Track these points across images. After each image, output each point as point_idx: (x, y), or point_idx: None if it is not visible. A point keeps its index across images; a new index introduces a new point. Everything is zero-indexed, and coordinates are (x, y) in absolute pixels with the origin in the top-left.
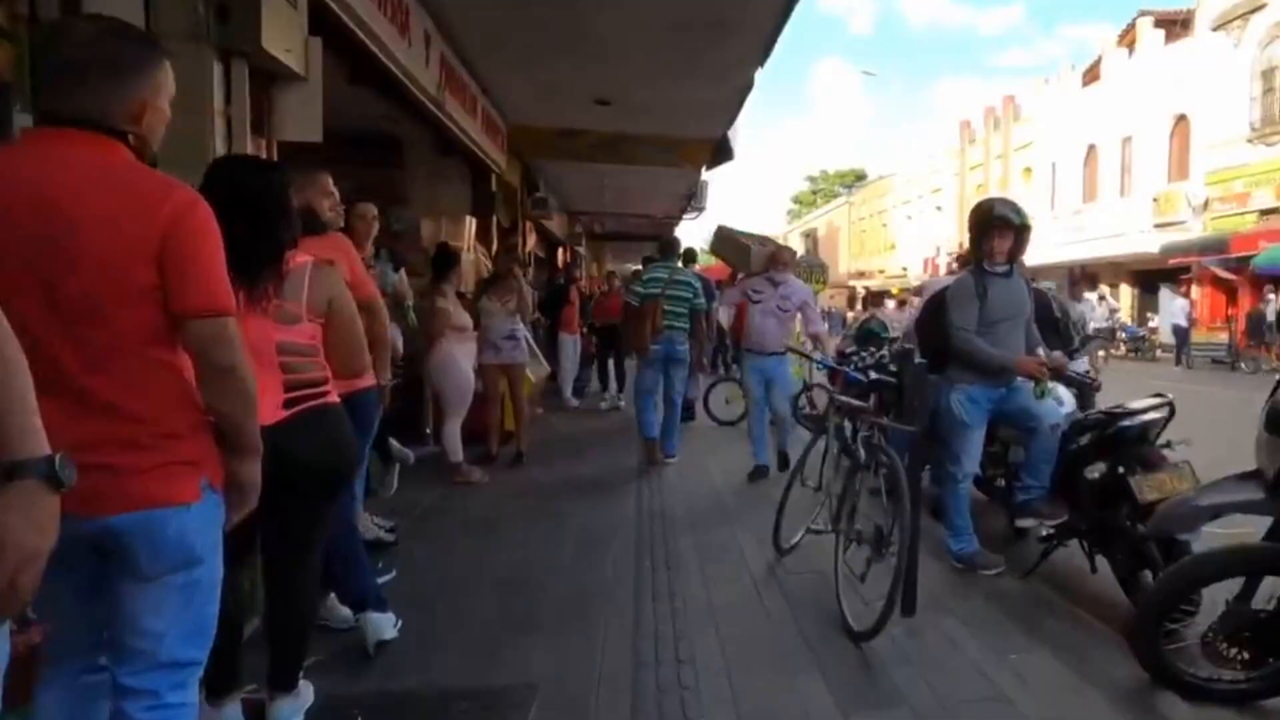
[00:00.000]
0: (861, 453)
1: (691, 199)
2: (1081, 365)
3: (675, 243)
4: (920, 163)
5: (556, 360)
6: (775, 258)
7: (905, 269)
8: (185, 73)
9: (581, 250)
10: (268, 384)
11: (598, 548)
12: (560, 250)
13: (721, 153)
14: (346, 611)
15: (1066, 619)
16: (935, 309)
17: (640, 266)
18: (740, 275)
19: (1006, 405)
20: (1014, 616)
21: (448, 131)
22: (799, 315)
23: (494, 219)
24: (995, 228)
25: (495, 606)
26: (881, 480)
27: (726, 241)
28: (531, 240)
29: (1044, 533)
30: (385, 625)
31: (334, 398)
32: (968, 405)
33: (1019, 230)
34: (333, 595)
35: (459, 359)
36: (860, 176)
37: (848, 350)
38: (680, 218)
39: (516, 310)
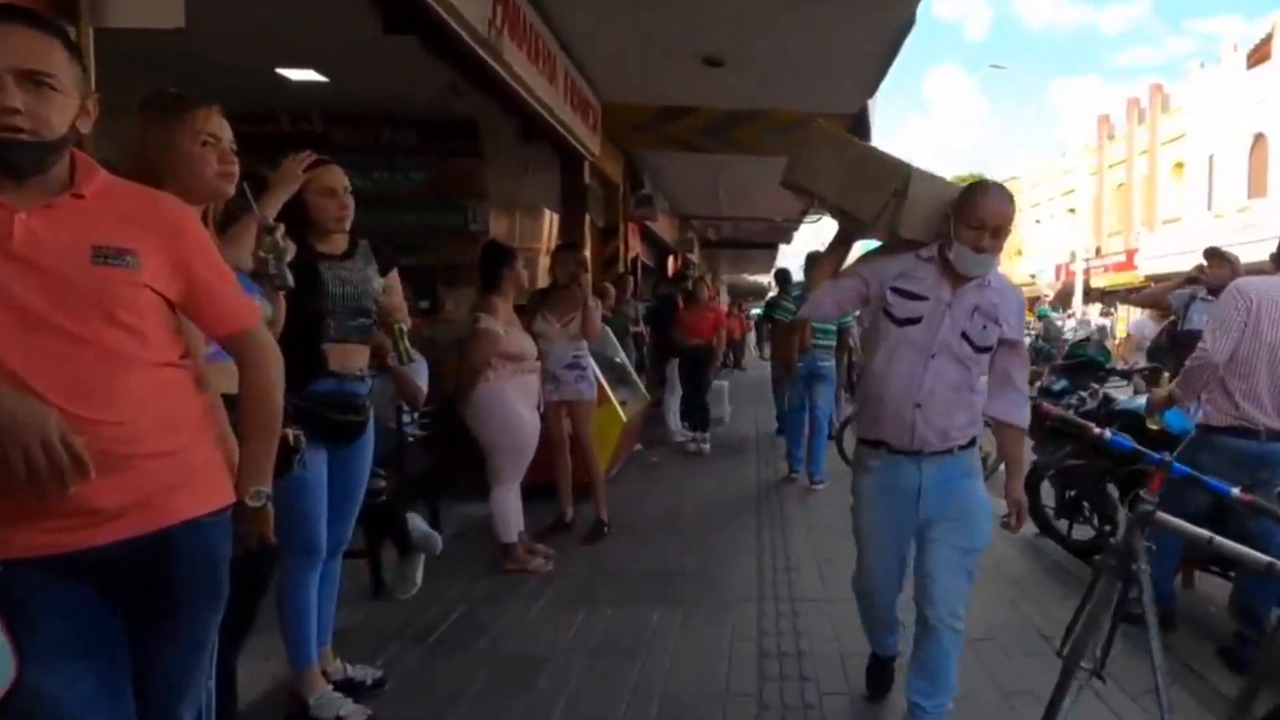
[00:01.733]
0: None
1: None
2: None
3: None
4: (1050, 163)
5: (663, 383)
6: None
7: (1034, 276)
8: None
9: (694, 259)
10: None
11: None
12: (671, 259)
13: (857, 133)
14: None
15: None
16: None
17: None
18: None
19: None
20: None
21: (521, 102)
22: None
23: (586, 217)
24: None
25: None
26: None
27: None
28: (635, 245)
29: None
30: None
31: None
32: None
33: None
34: None
35: (512, 399)
36: (980, 181)
37: (1055, 386)
38: (801, 221)
39: (581, 333)
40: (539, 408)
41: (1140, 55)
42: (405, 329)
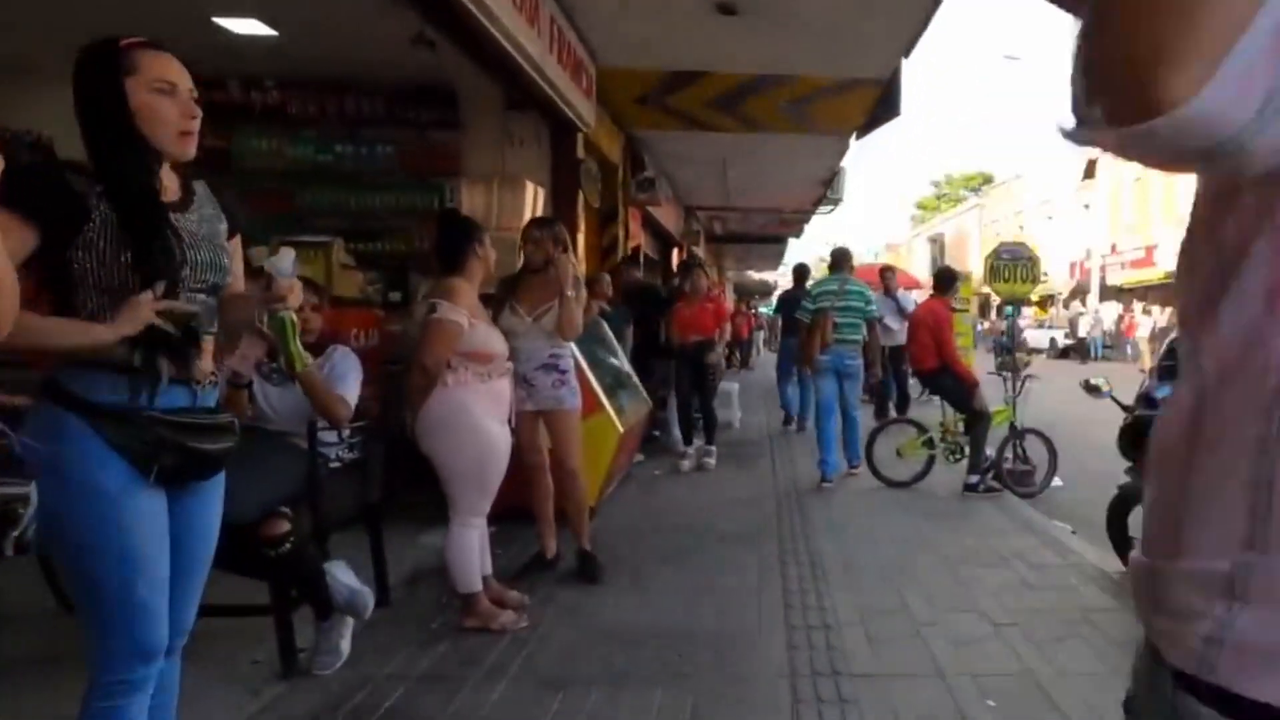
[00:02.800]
0: None
1: (829, 185)
2: None
3: (845, 253)
4: (1064, 157)
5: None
6: None
7: (1047, 274)
8: None
9: (699, 251)
10: None
11: None
12: (676, 251)
13: (886, 104)
14: None
15: None
16: None
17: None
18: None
19: None
20: None
21: (504, 58)
22: None
23: (580, 196)
24: None
25: None
26: None
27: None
28: (637, 232)
29: None
30: None
31: None
32: None
33: None
34: None
35: (476, 410)
36: (988, 179)
37: (1158, 394)
38: (813, 211)
39: (560, 326)
40: (510, 421)
41: None
42: (294, 323)
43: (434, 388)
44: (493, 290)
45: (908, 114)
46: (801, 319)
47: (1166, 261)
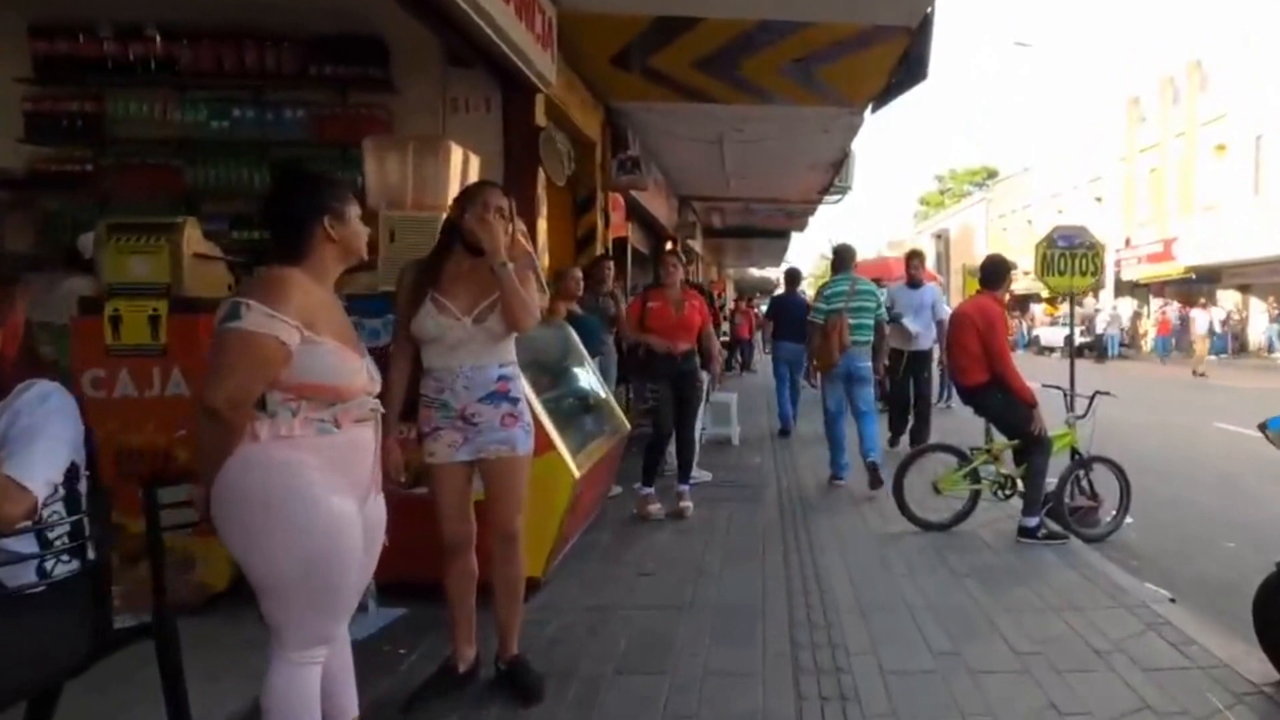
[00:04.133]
0: None
1: (838, 171)
2: None
3: (850, 251)
4: (1073, 150)
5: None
6: None
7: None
8: None
9: (695, 247)
10: None
11: None
12: (669, 245)
13: (911, 64)
14: None
15: None
16: None
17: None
18: None
19: None
20: None
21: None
22: None
23: (540, 173)
24: None
25: None
26: None
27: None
28: (620, 222)
29: None
30: None
31: None
32: None
33: None
34: None
35: (305, 479)
36: (992, 174)
37: None
38: (819, 201)
39: (509, 312)
40: (369, 499)
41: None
42: None
43: (234, 443)
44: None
45: (910, 108)
46: (814, 321)
47: (1186, 255)
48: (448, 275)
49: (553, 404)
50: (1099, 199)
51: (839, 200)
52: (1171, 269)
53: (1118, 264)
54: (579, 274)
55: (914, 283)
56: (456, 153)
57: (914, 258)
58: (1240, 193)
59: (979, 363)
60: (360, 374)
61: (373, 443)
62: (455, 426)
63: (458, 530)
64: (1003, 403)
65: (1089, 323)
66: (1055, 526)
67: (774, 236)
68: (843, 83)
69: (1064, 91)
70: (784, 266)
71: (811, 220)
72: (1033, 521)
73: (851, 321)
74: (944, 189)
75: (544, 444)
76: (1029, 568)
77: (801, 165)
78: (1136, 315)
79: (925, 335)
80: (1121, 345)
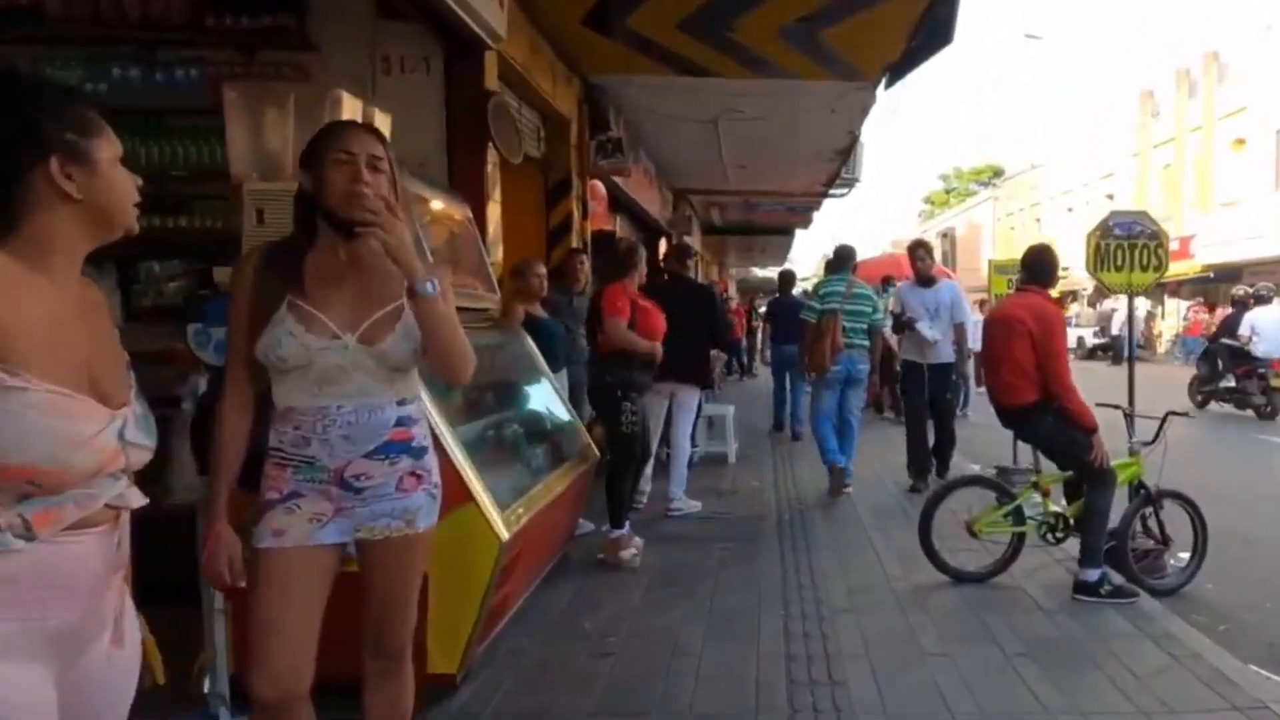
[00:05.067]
0: None
1: (845, 159)
2: None
3: (850, 252)
4: (1084, 146)
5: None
6: None
7: (1067, 268)
8: None
9: (692, 243)
10: None
11: None
12: (663, 242)
13: (935, 23)
14: None
15: None
16: None
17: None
18: None
19: None
20: None
21: None
22: None
23: (490, 148)
24: None
25: None
26: None
27: None
28: (602, 212)
29: None
30: None
31: None
32: None
33: None
34: None
35: None
36: (998, 173)
37: None
38: (825, 194)
39: (436, 358)
40: (99, 648)
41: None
42: None
43: None
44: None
45: (914, 104)
46: (807, 319)
47: (1205, 253)
48: (314, 270)
49: (488, 433)
50: (1110, 196)
51: (846, 194)
52: (1189, 267)
53: None
54: (543, 269)
55: (924, 279)
56: (351, 104)
57: (919, 249)
58: (1260, 189)
59: (1030, 378)
60: (93, 442)
61: (103, 562)
62: (325, 494)
63: (293, 673)
64: (1056, 427)
65: (1105, 323)
66: (1120, 580)
67: (777, 234)
68: (852, 49)
69: (1075, 85)
70: (788, 266)
71: (816, 217)
72: (1094, 575)
73: (847, 324)
74: (949, 188)
75: (457, 494)
76: (1097, 640)
77: (806, 153)
78: (1150, 315)
79: (946, 343)
80: (1139, 346)
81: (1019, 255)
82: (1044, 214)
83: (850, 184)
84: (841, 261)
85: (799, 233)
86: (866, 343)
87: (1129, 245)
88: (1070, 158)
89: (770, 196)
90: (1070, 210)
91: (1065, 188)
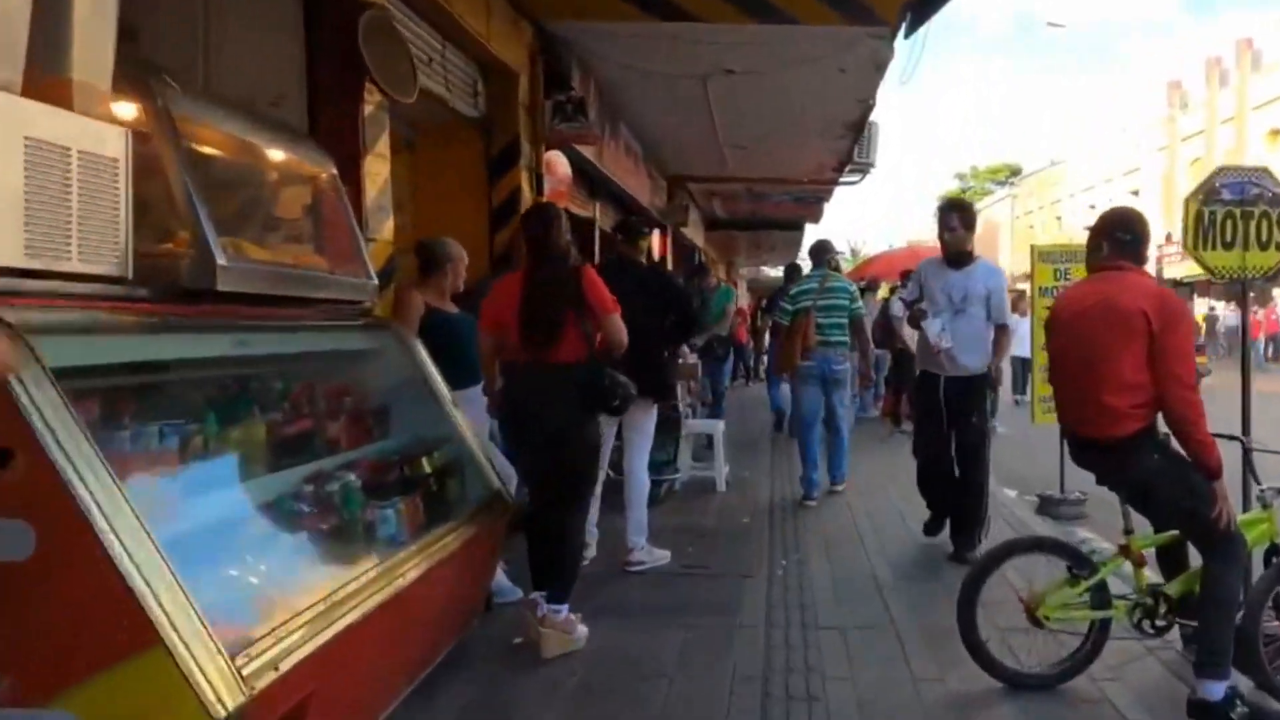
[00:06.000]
0: None
1: (857, 138)
2: None
3: (826, 246)
4: (1107, 141)
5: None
6: None
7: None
8: None
9: (695, 239)
10: None
11: None
12: (658, 235)
13: None
14: None
15: None
16: None
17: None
18: None
19: None
20: None
21: None
22: None
23: (364, 85)
24: None
25: None
26: None
27: None
28: (562, 188)
29: None
30: None
31: None
32: None
33: None
34: None
35: None
36: (1015, 171)
37: None
38: (834, 183)
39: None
40: None
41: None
42: None
43: None
44: None
45: (928, 101)
46: (779, 321)
47: None
48: None
49: (299, 491)
50: (1135, 192)
51: (859, 180)
52: None
53: (1159, 260)
54: (461, 251)
55: (956, 256)
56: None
57: (953, 212)
58: None
59: (1140, 397)
60: None
61: None
62: None
63: None
64: (1165, 467)
65: None
66: (1258, 699)
67: (786, 229)
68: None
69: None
70: (798, 261)
71: (827, 209)
72: (1218, 690)
73: (822, 320)
74: (965, 187)
75: (132, 630)
76: None
77: (813, 128)
78: (1213, 315)
79: (975, 348)
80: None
81: None
82: (1064, 211)
83: (864, 169)
84: (817, 255)
85: (809, 228)
86: (846, 339)
87: (1241, 214)
88: (1092, 153)
89: (776, 185)
90: (1092, 207)
91: (1087, 184)
